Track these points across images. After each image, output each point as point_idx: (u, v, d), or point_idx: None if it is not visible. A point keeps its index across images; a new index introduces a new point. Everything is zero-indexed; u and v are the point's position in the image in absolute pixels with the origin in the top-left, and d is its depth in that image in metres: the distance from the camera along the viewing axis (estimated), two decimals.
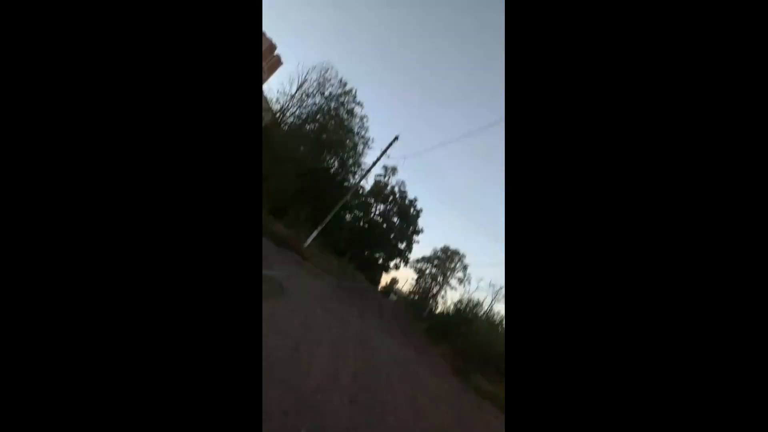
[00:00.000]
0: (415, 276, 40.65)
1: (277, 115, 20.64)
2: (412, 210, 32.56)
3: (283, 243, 11.79)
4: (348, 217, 27.35)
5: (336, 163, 23.75)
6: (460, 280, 38.00)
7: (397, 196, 31.87)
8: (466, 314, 20.02)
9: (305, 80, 20.47)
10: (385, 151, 16.30)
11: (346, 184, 24.04)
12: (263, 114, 21.99)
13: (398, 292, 42.75)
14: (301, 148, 19.11)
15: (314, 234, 14.73)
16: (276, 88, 25.23)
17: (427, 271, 40.27)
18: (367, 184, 24.39)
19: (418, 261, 39.87)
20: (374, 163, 17.12)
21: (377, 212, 31.63)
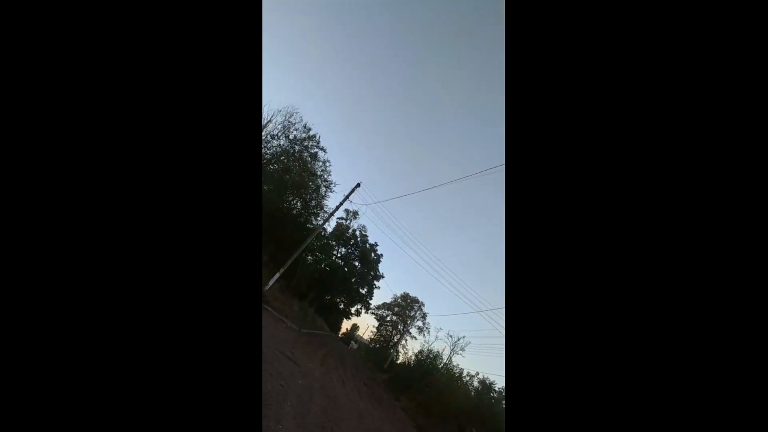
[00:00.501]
0: (376, 323, 39.58)
1: None
2: (372, 255, 32.45)
3: None
4: (309, 259, 26.65)
5: (299, 204, 23.50)
6: (420, 329, 37.44)
7: (359, 239, 31.77)
8: (427, 366, 19.63)
9: (269, 121, 20.65)
10: (347, 197, 16.45)
11: (309, 225, 23.71)
12: None
13: (359, 339, 41.26)
14: (264, 187, 18.82)
15: (276, 276, 14.11)
16: None
17: (388, 318, 39.43)
18: (329, 226, 24.20)
19: (378, 307, 39.06)
20: (337, 207, 17.14)
21: (339, 255, 31.17)
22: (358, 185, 16.42)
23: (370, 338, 40.20)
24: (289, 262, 14.68)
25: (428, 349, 22.63)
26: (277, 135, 21.32)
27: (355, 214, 29.89)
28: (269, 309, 12.04)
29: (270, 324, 9.49)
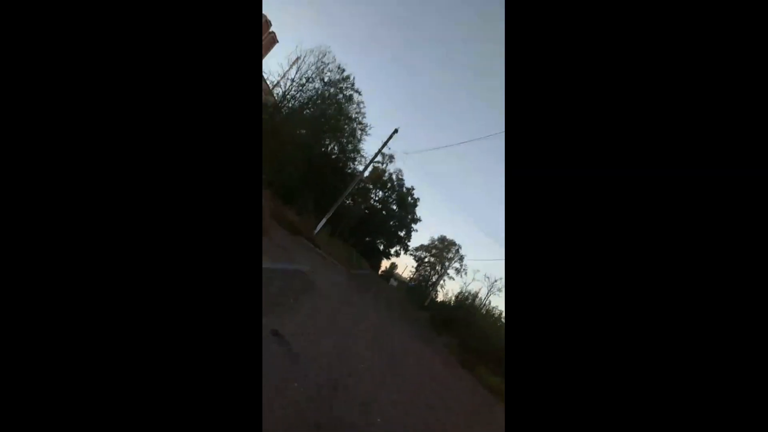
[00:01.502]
0: (415, 264, 40.87)
1: (278, 98, 20.11)
2: (409, 198, 32.54)
3: (296, 231, 11.68)
4: (348, 202, 27.19)
5: (336, 149, 23.39)
6: (457, 271, 38.28)
7: (395, 183, 31.72)
8: (467, 307, 20.29)
9: (300, 60, 19.92)
10: (386, 143, 16.13)
11: (347, 170, 23.81)
12: (264, 97, 21.49)
13: (398, 278, 43.09)
14: (302, 132, 18.73)
15: (322, 222, 14.61)
16: (274, 69, 24.47)
17: (426, 260, 40.49)
18: (366, 170, 24.08)
19: (416, 249, 40.02)
20: (377, 153, 17.00)
21: (376, 199, 31.52)
22: (396, 131, 15.98)
23: (409, 277, 41.91)
24: (333, 208, 15.05)
25: (468, 291, 23.23)
26: (311, 77, 20.68)
27: (391, 157, 29.50)
28: (321, 253, 12.66)
29: (323, 267, 10.03)
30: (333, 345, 4.10)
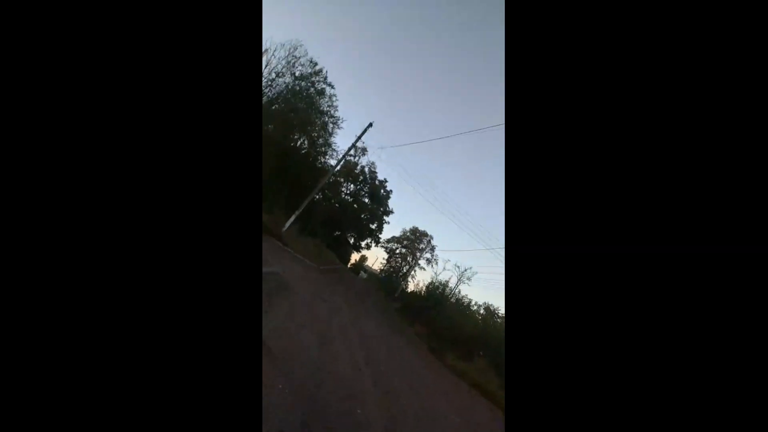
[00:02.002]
0: (386, 255, 41.40)
1: None
2: (382, 191, 32.81)
3: (265, 230, 11.69)
4: (317, 197, 27.12)
5: (306, 143, 23.21)
6: (428, 261, 39.22)
7: (367, 176, 31.90)
8: (437, 296, 20.97)
9: (271, 55, 19.60)
10: (359, 137, 16.26)
11: (318, 164, 23.70)
12: None
13: (368, 269, 43.49)
14: (270, 126, 18.50)
15: (291, 219, 14.65)
16: None
17: (397, 251, 41.13)
18: (338, 165, 24.24)
19: (388, 241, 40.55)
20: (350, 148, 17.06)
21: (348, 192, 31.58)
22: (371, 125, 16.14)
23: (380, 269, 42.40)
24: (303, 205, 15.10)
25: (438, 281, 23.95)
26: (281, 72, 20.40)
27: (364, 150, 29.65)
28: (289, 250, 12.75)
29: (293, 265, 10.18)
30: (310, 342, 4.41)
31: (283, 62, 20.30)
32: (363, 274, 39.45)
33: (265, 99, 19.82)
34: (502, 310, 20.16)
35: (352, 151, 29.49)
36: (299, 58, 20.69)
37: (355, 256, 39.99)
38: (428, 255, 39.47)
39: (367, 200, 32.64)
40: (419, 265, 38.63)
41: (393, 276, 37.80)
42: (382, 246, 39.46)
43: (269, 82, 20.06)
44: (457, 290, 24.37)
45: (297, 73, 20.90)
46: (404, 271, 38.44)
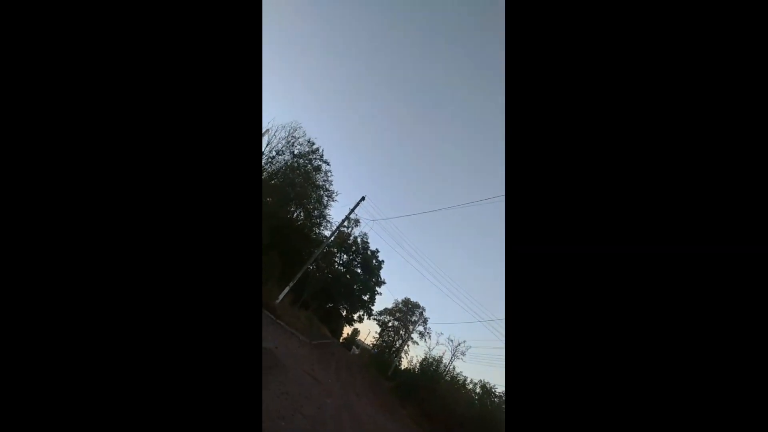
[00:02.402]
0: (378, 328, 40.04)
1: None
2: (374, 261, 32.87)
3: None
4: (311, 267, 27.07)
5: (302, 215, 23.99)
6: (421, 334, 37.93)
7: (360, 246, 32.21)
8: (431, 374, 20.09)
9: (272, 135, 21.27)
10: (353, 209, 17.01)
11: (312, 235, 24.15)
12: None
13: (360, 344, 41.64)
14: (269, 200, 19.29)
15: (286, 290, 14.58)
16: None
17: (390, 324, 39.88)
18: (329, 233, 24.74)
19: (380, 313, 39.53)
20: (343, 220, 17.71)
21: (340, 262, 31.58)
22: (363, 198, 16.95)
23: (372, 343, 40.65)
24: (297, 276, 15.15)
25: (432, 357, 23.07)
26: (281, 150, 21.85)
27: (357, 221, 30.40)
28: (282, 324, 12.50)
29: (286, 339, 9.98)
30: (304, 427, 4.32)
31: (283, 142, 21.86)
32: (355, 350, 37.69)
33: (265, 175, 20.94)
34: (499, 388, 19.21)
35: (345, 223, 30.29)
36: (298, 138, 22.35)
37: (347, 330, 38.62)
38: (421, 328, 38.24)
39: (359, 270, 32.53)
40: (412, 339, 37.23)
41: (386, 351, 36.16)
42: (374, 318, 38.38)
43: (269, 159, 21.36)
44: (451, 366, 23.38)
45: (296, 151, 22.39)
46: (397, 345, 36.89)
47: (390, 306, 40.63)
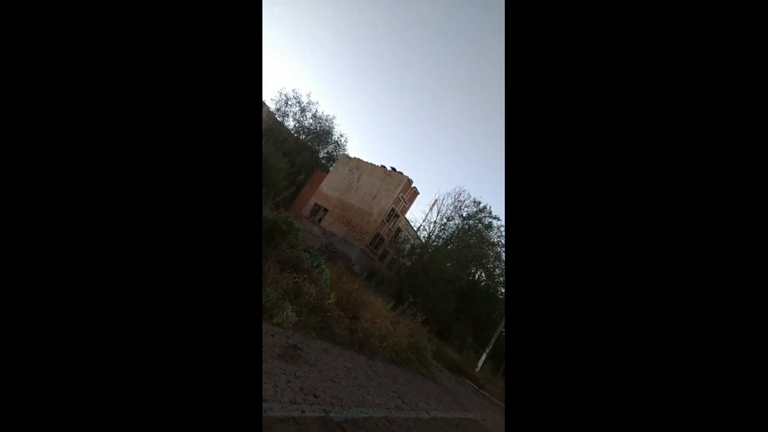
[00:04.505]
0: None
1: (425, 240, 22.67)
2: None
3: (456, 369, 11.63)
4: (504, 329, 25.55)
5: (483, 275, 23.71)
6: None
7: None
8: None
9: (437, 202, 22.72)
10: None
11: (498, 295, 23.31)
12: (414, 242, 24.52)
13: None
14: (448, 264, 20.01)
15: (483, 357, 14.15)
16: (418, 216, 27.91)
17: None
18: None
19: None
20: None
21: None
22: None
23: None
24: (492, 341, 14.57)
25: None
26: (451, 215, 23.00)
27: None
28: (486, 394, 11.97)
29: (492, 411, 9.44)
30: None
31: (451, 208, 23.00)
32: None
33: (440, 242, 22.21)
34: None
35: None
36: (464, 201, 23.14)
37: None
38: None
39: None
40: None
41: None
42: None
43: (442, 227, 22.64)
44: None
45: (464, 214, 23.10)
46: None
47: None
